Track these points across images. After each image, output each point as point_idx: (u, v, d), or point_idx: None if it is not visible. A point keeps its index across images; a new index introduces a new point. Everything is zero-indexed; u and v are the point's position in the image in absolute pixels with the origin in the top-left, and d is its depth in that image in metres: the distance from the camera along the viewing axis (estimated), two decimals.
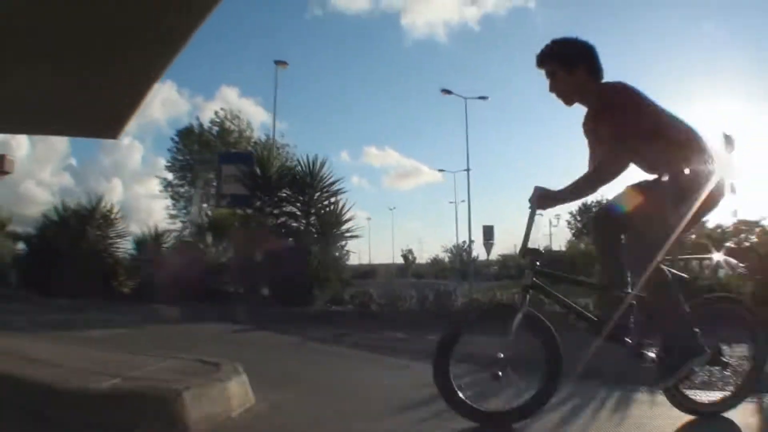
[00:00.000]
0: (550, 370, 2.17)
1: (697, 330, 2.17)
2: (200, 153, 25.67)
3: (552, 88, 2.33)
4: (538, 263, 2.31)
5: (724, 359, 2.28)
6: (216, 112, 27.55)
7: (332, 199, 9.60)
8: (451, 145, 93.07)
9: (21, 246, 11.78)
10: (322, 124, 66.28)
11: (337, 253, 9.57)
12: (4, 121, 13.27)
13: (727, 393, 2.33)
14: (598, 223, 2.52)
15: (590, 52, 2.32)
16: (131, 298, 9.25)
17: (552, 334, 2.20)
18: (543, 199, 2.33)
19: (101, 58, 9.39)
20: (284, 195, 9.72)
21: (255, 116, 62.04)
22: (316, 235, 9.26)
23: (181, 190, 27.30)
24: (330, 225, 9.33)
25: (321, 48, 64.72)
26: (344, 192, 9.67)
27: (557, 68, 2.30)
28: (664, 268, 2.20)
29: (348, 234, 9.64)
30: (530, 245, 2.37)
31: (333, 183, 9.62)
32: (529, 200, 2.34)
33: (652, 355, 2.20)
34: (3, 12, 4.10)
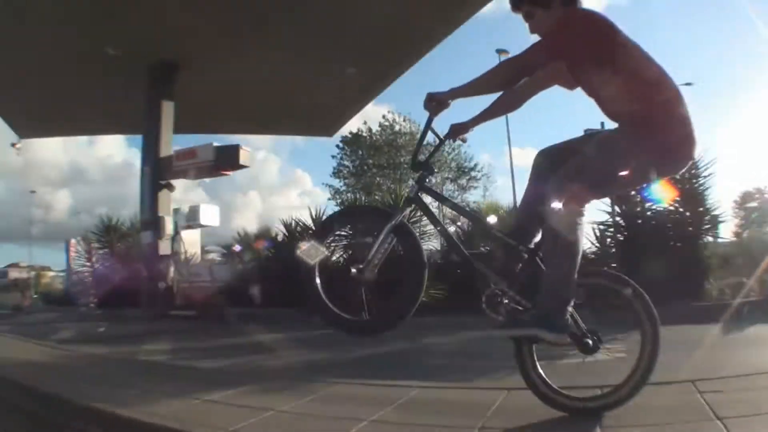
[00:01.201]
0: (412, 281, 2.17)
1: (571, 308, 1.99)
2: (371, 158, 25.40)
3: (533, 30, 2.16)
4: (427, 180, 2.29)
5: (592, 347, 2.02)
6: (384, 115, 26.55)
7: None
8: None
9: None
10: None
11: None
12: (244, 121, 13.73)
13: (605, 389, 2.07)
14: (538, 158, 2.24)
15: None
16: None
17: (418, 246, 2.23)
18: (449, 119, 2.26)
19: (348, 49, 9.84)
20: None
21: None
22: None
23: (350, 196, 25.47)
24: None
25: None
26: None
27: (532, 8, 2.14)
28: (581, 223, 2.00)
29: None
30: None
31: None
32: (424, 106, 2.20)
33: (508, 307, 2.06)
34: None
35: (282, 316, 7.42)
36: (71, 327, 7.80)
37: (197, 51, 10.17)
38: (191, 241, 10.74)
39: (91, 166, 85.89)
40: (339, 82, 11.20)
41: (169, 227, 9.78)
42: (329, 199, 26.13)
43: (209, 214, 10.82)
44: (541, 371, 2.09)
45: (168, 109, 10.53)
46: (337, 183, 26.54)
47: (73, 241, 14.46)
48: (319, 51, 9.99)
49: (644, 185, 2.87)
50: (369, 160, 25.85)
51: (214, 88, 11.36)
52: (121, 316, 9.22)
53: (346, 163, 26.63)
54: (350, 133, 25.89)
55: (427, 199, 2.38)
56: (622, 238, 7.23)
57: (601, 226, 7.26)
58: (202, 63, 10.52)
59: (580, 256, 1.99)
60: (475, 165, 27.85)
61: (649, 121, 1.96)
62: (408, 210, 2.26)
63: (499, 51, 22.63)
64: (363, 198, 17.86)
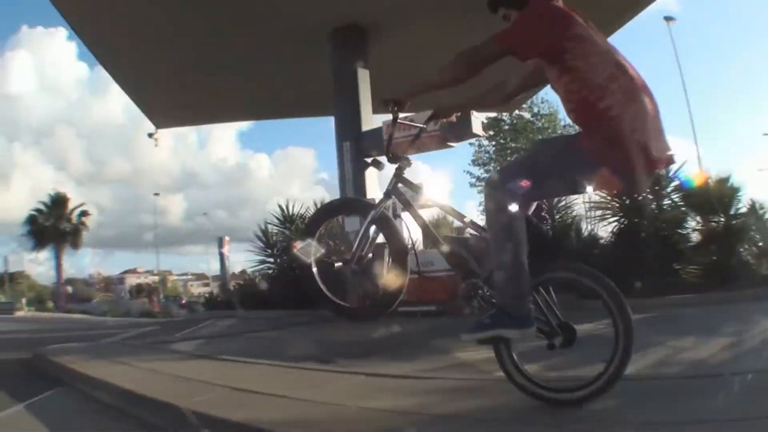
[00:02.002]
0: (394, 270, 2.34)
1: (531, 297, 2.02)
2: (513, 141, 24.47)
3: None
4: (405, 172, 2.38)
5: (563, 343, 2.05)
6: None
7: None
8: None
9: None
10: None
11: None
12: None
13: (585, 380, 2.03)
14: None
15: None
16: None
17: (399, 236, 2.37)
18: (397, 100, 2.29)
19: None
20: None
21: None
22: None
23: None
24: None
25: None
26: None
27: (507, 10, 2.16)
28: (515, 218, 1.98)
29: None
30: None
31: None
32: (384, 101, 2.30)
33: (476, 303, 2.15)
34: None
35: None
36: (294, 338, 6.14)
37: (386, 13, 8.87)
38: (414, 225, 9.04)
39: (205, 170, 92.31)
40: None
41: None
42: (471, 186, 25.19)
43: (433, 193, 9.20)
44: (517, 361, 2.12)
45: (364, 77, 9.26)
46: (476, 171, 25.42)
47: (227, 238, 13.41)
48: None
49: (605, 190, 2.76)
50: (511, 144, 24.45)
51: (403, 55, 9.95)
52: (329, 318, 7.61)
53: (489, 150, 25.41)
54: (487, 118, 24.01)
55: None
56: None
57: None
58: (393, 26, 9.25)
59: (521, 249, 1.97)
60: None
61: (588, 127, 1.97)
62: (388, 202, 2.38)
63: (667, 18, 21.17)
64: None
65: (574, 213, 8.80)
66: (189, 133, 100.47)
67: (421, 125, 2.40)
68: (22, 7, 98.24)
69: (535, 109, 24.81)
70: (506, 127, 24.78)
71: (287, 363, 3.91)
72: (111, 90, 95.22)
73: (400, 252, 2.33)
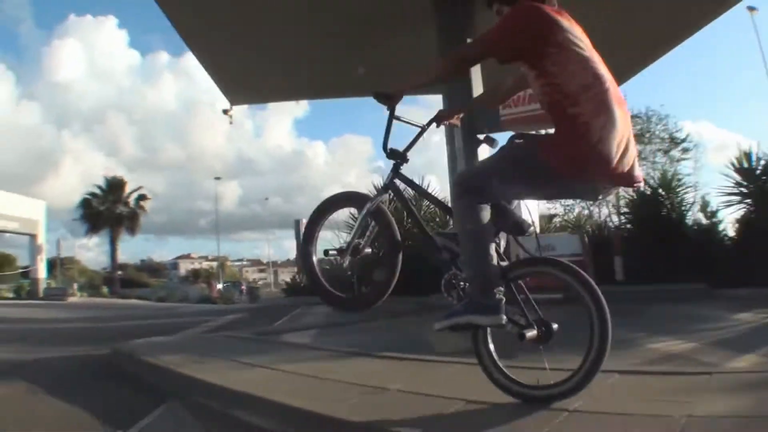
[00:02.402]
0: (387, 261, 2.39)
1: (499, 289, 2.05)
2: None
3: None
4: (401, 166, 2.43)
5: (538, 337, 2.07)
6: None
7: None
8: None
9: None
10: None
11: None
12: None
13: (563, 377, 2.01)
14: None
15: None
16: None
17: (391, 225, 2.40)
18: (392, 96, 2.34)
19: None
20: None
21: None
22: None
23: None
24: None
25: None
26: None
27: (500, 6, 2.17)
28: (477, 212, 2.07)
29: None
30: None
31: None
32: (376, 95, 2.35)
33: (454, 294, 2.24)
34: None
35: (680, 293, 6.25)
36: (420, 328, 4.96)
37: None
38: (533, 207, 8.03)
39: (260, 157, 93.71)
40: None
41: None
42: None
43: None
44: (495, 357, 2.16)
45: None
46: None
47: (303, 220, 12.65)
48: None
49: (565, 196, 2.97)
50: None
51: None
52: (436, 306, 6.62)
53: None
54: None
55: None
56: None
57: None
58: None
59: (484, 242, 2.07)
60: (687, 136, 25.30)
61: (557, 127, 2.00)
62: (384, 196, 2.45)
63: (750, 8, 19.80)
64: None
65: (696, 196, 8.46)
66: (245, 120, 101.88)
67: (421, 125, 2.44)
68: None
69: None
70: None
71: (467, 359, 2.81)
72: (164, 77, 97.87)
73: (392, 245, 2.42)
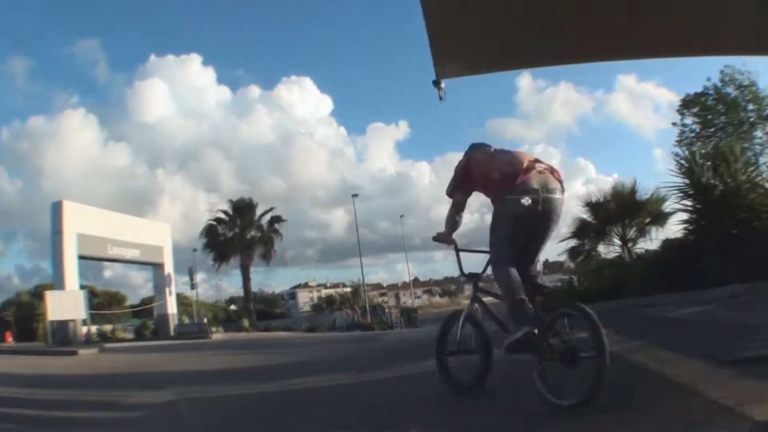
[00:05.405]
0: (483, 353, 3.33)
1: (529, 311, 2.95)
2: (723, 115, 22.64)
3: None
4: (480, 284, 3.47)
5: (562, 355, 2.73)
6: (722, 70, 23.15)
7: None
8: None
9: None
10: None
11: None
12: None
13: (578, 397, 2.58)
14: None
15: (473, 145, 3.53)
16: None
17: (480, 325, 3.41)
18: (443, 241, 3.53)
19: None
20: None
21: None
22: None
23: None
24: None
25: None
26: None
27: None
28: (505, 272, 3.06)
29: None
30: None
31: None
32: (437, 240, 3.55)
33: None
34: None
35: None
36: None
37: None
38: None
39: (365, 182, 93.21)
40: None
41: None
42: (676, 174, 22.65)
43: None
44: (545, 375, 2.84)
45: None
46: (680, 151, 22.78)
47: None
48: None
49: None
50: (722, 118, 22.18)
51: None
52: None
53: (692, 126, 22.86)
54: (686, 94, 22.89)
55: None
56: None
57: None
58: None
59: (513, 291, 2.98)
60: None
61: (497, 188, 3.16)
62: (475, 305, 3.46)
63: None
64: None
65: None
66: (344, 147, 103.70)
67: (483, 250, 3.34)
68: (146, 36, 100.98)
69: (738, 81, 22.32)
70: (710, 102, 22.61)
71: None
72: (257, 111, 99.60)
73: (485, 343, 3.34)
